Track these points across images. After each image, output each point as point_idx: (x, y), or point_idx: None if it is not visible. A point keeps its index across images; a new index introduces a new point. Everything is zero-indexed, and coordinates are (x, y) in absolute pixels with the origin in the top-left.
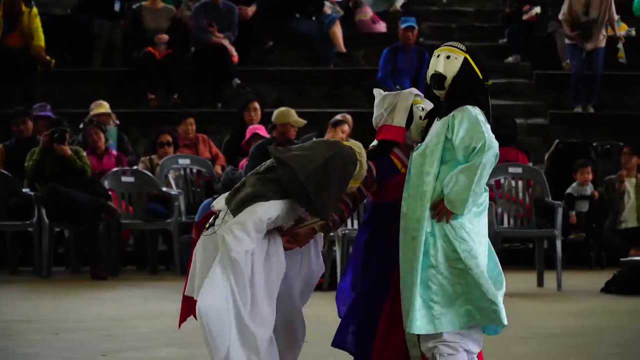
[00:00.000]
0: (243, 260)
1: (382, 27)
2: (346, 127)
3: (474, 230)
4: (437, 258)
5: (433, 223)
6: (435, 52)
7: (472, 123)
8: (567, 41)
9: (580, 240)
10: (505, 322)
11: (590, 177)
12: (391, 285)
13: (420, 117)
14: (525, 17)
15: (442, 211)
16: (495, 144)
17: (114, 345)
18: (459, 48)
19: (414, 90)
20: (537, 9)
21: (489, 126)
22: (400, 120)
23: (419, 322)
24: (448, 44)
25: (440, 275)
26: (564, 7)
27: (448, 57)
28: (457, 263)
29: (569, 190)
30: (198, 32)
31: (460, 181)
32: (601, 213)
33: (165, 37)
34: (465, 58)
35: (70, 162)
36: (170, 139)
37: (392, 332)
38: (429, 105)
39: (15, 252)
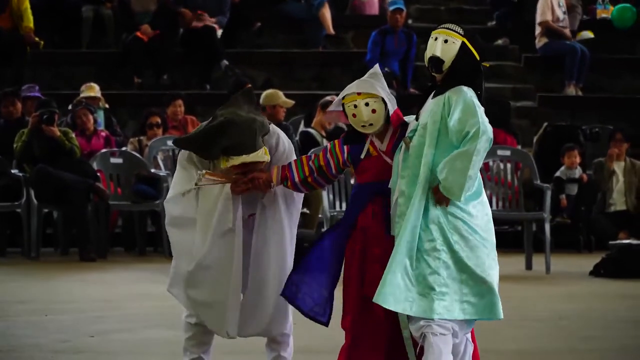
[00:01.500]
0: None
1: (375, 9)
2: None
3: (472, 219)
4: (435, 245)
5: (429, 210)
6: (433, 34)
7: (467, 105)
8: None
9: (565, 224)
10: (501, 315)
11: (577, 160)
12: (354, 259)
13: (354, 115)
14: None
15: (440, 198)
16: (489, 129)
17: (102, 326)
18: (457, 32)
19: (377, 69)
20: None
21: (482, 110)
22: (334, 107)
23: (405, 302)
24: (446, 26)
25: (438, 261)
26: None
27: (446, 41)
28: (452, 254)
29: (557, 174)
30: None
31: (455, 167)
32: (590, 196)
33: (147, 28)
34: (463, 42)
35: (59, 143)
36: (159, 120)
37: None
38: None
39: (4, 233)
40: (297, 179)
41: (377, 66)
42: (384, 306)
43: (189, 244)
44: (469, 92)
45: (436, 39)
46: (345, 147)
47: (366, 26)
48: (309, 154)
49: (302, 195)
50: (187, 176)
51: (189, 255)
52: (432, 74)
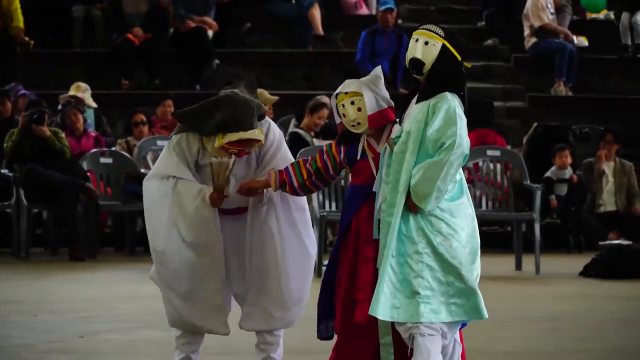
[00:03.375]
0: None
1: (364, 11)
2: (325, 112)
3: (454, 220)
4: (417, 248)
5: (410, 214)
6: (414, 35)
7: (448, 115)
8: None
9: (555, 224)
10: (486, 315)
11: (568, 160)
12: (346, 259)
13: (344, 115)
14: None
15: (411, 204)
16: (466, 143)
17: (92, 326)
18: (437, 34)
19: (378, 70)
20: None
21: (464, 121)
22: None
23: (393, 309)
24: (426, 27)
25: (421, 264)
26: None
27: (426, 43)
28: (435, 256)
29: (547, 174)
30: (177, 18)
31: (425, 176)
32: (580, 196)
33: (139, 30)
34: (444, 44)
35: (49, 143)
36: (143, 117)
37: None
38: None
39: None
40: (295, 184)
41: (378, 68)
42: (377, 316)
43: (160, 224)
44: (453, 101)
45: (417, 40)
46: (341, 148)
47: (356, 26)
48: (297, 155)
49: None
50: (169, 161)
51: (159, 235)
52: (414, 75)
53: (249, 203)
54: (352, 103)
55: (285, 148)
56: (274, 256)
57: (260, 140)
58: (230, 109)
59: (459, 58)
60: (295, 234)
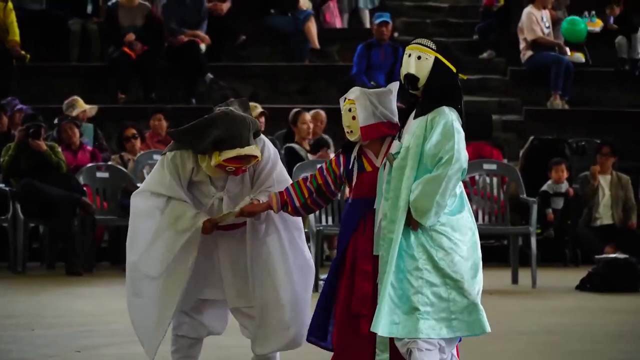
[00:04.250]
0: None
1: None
2: (305, 116)
3: (456, 234)
4: (417, 264)
5: (410, 230)
6: (407, 50)
7: (445, 130)
8: None
9: (550, 238)
10: (488, 329)
11: (565, 175)
12: (343, 276)
13: (353, 117)
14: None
15: (411, 220)
16: (464, 157)
17: (89, 341)
18: (429, 47)
19: (394, 86)
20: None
21: (462, 134)
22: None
23: (393, 325)
24: (418, 41)
25: (421, 280)
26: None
27: (419, 58)
28: (436, 271)
29: (544, 188)
30: (170, 32)
31: (424, 191)
32: (576, 210)
33: (132, 36)
34: (436, 58)
35: (46, 158)
36: (134, 132)
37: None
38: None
39: None
40: (297, 203)
41: (396, 83)
42: (377, 333)
43: (143, 236)
44: (450, 115)
45: (410, 55)
46: (341, 161)
47: (352, 39)
48: (294, 169)
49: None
50: (162, 178)
51: (137, 248)
52: (409, 91)
53: (246, 221)
54: (350, 110)
55: (280, 166)
56: (280, 274)
57: (257, 157)
58: (227, 125)
59: (454, 70)
60: (297, 247)
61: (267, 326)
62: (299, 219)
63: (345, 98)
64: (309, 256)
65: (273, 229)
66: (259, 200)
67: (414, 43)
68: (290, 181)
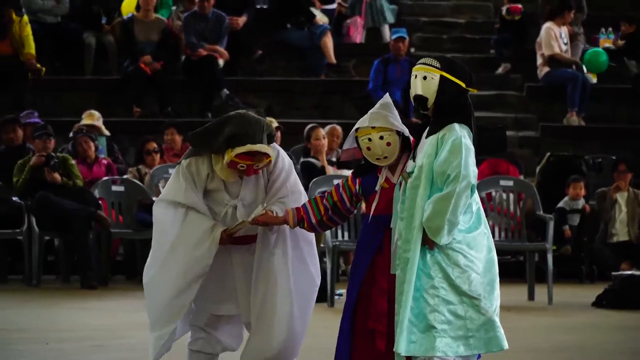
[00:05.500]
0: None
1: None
2: (319, 132)
3: (473, 252)
4: (433, 283)
5: (426, 249)
6: (413, 72)
7: (453, 147)
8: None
9: (567, 254)
10: (506, 346)
11: (582, 192)
12: (360, 293)
13: (368, 148)
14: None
15: (426, 239)
16: (472, 173)
17: (103, 355)
18: (433, 66)
19: (387, 97)
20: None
21: (471, 150)
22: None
23: (410, 344)
24: (423, 61)
25: (437, 298)
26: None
27: (425, 78)
28: (453, 289)
29: (560, 205)
30: (189, 46)
31: (435, 210)
32: (592, 226)
33: (148, 58)
34: (442, 75)
35: (63, 185)
36: (155, 146)
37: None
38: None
39: (5, 261)
40: (313, 220)
41: (387, 96)
42: (399, 352)
43: (158, 253)
44: (459, 132)
45: (416, 76)
46: (357, 180)
47: (368, 54)
48: (310, 184)
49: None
50: (178, 186)
51: (152, 265)
52: (421, 111)
53: (258, 232)
54: (381, 138)
55: (295, 176)
56: (281, 288)
57: (269, 156)
58: (240, 123)
59: (463, 85)
60: (303, 264)
61: (257, 337)
62: (311, 234)
63: (364, 127)
64: (317, 272)
65: (282, 244)
66: (273, 212)
67: (419, 64)
68: (304, 192)
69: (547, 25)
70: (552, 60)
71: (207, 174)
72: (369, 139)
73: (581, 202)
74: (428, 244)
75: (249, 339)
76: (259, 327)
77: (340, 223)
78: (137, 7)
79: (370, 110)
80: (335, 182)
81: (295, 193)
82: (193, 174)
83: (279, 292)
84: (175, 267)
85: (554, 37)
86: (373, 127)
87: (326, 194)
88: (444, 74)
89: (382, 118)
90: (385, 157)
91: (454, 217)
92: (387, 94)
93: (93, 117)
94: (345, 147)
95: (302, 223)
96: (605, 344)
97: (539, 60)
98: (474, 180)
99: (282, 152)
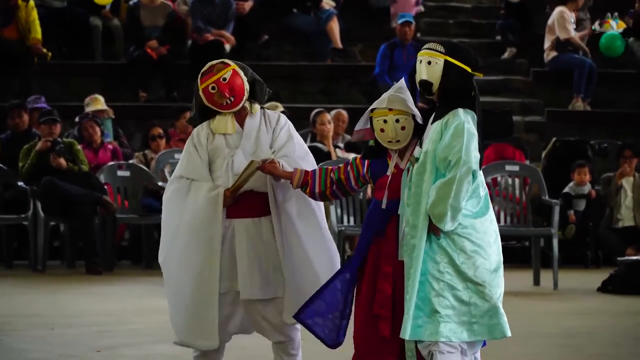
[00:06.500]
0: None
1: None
2: (325, 116)
3: (480, 237)
4: (438, 268)
5: (431, 235)
6: (418, 57)
7: (455, 132)
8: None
9: (570, 236)
10: (509, 333)
11: (587, 178)
12: (364, 278)
13: (382, 130)
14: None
15: (431, 225)
16: (474, 159)
17: (109, 341)
18: (437, 51)
19: (402, 82)
20: None
21: (474, 136)
22: (361, 123)
23: (417, 328)
24: (427, 46)
25: (442, 283)
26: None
27: (429, 63)
28: (458, 275)
29: (566, 190)
30: (195, 30)
31: (437, 196)
32: (598, 211)
33: (154, 43)
34: (446, 60)
35: (69, 170)
36: (161, 131)
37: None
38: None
39: (11, 246)
40: (317, 189)
41: (402, 80)
42: (405, 338)
43: (167, 231)
44: (463, 117)
45: (421, 62)
46: (365, 161)
47: (374, 39)
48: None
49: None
50: (181, 163)
51: (164, 244)
52: (426, 96)
53: (270, 204)
54: (397, 121)
55: (297, 135)
56: (308, 252)
57: (228, 63)
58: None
59: (469, 69)
60: (319, 228)
61: (296, 295)
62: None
63: (380, 108)
64: (329, 235)
65: (300, 205)
66: (280, 164)
67: (424, 49)
68: (308, 150)
69: (561, 9)
70: (561, 45)
71: (207, 135)
72: (384, 121)
73: (587, 188)
74: (433, 230)
75: (289, 300)
76: (300, 284)
77: (341, 198)
78: None
79: (387, 92)
80: (345, 161)
81: (302, 147)
82: (195, 145)
83: (309, 257)
84: (186, 240)
85: (568, 20)
86: (390, 110)
87: (336, 167)
88: (449, 58)
89: (400, 101)
90: (398, 141)
91: (456, 202)
92: (403, 79)
93: (100, 102)
94: (357, 127)
95: (305, 187)
96: (614, 329)
97: (547, 44)
98: (475, 165)
99: (283, 115)
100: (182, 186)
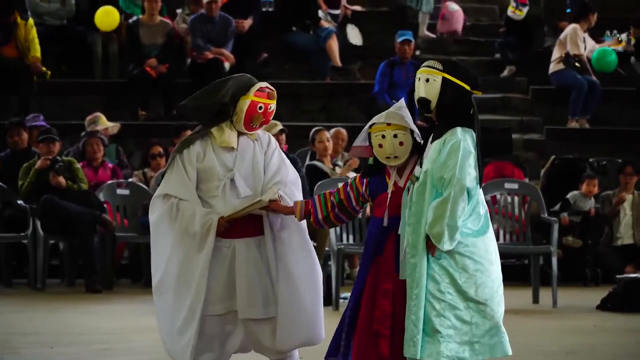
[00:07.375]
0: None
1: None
2: (324, 134)
3: (481, 255)
4: (439, 287)
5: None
6: (417, 75)
7: (451, 150)
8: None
9: (577, 246)
10: (510, 352)
11: (595, 190)
12: (364, 295)
13: (380, 145)
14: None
15: (429, 244)
16: (468, 177)
17: (108, 359)
18: (435, 68)
19: (402, 102)
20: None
21: (470, 154)
22: (360, 140)
23: (421, 348)
24: (426, 64)
25: (443, 303)
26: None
27: (427, 80)
28: (459, 295)
29: (568, 196)
30: (195, 48)
31: (434, 217)
32: (597, 229)
33: (154, 62)
34: (444, 77)
35: (68, 188)
36: (161, 149)
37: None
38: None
39: (10, 264)
40: (320, 216)
41: (402, 100)
42: (406, 356)
43: (161, 254)
44: (460, 135)
45: (419, 79)
46: (364, 180)
47: (374, 57)
48: (315, 187)
49: None
50: (167, 180)
51: (157, 267)
52: (425, 114)
53: (261, 229)
54: (395, 136)
55: (285, 157)
56: (301, 280)
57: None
58: (237, 76)
59: (467, 87)
60: (306, 251)
61: (290, 322)
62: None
63: (378, 123)
64: (316, 258)
65: (295, 236)
66: (282, 200)
67: (422, 66)
68: (295, 171)
69: (574, 26)
70: (568, 61)
71: (197, 154)
72: (383, 136)
73: (590, 203)
74: (430, 250)
75: (279, 327)
76: (289, 313)
77: (346, 221)
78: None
79: (387, 110)
80: (340, 185)
81: (293, 174)
82: (184, 162)
83: (301, 284)
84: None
85: (580, 38)
86: (388, 124)
87: (335, 190)
88: (447, 75)
89: (399, 116)
90: (396, 157)
91: (452, 221)
92: (402, 99)
93: (104, 120)
94: (356, 143)
95: (308, 217)
96: (613, 346)
97: (555, 56)
98: (469, 183)
99: (273, 138)
100: (170, 207)
